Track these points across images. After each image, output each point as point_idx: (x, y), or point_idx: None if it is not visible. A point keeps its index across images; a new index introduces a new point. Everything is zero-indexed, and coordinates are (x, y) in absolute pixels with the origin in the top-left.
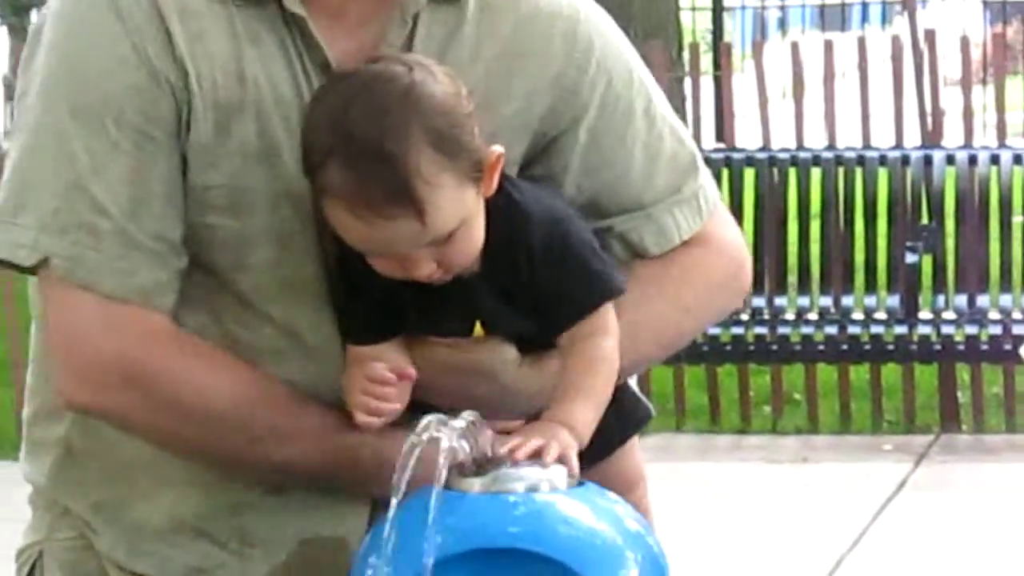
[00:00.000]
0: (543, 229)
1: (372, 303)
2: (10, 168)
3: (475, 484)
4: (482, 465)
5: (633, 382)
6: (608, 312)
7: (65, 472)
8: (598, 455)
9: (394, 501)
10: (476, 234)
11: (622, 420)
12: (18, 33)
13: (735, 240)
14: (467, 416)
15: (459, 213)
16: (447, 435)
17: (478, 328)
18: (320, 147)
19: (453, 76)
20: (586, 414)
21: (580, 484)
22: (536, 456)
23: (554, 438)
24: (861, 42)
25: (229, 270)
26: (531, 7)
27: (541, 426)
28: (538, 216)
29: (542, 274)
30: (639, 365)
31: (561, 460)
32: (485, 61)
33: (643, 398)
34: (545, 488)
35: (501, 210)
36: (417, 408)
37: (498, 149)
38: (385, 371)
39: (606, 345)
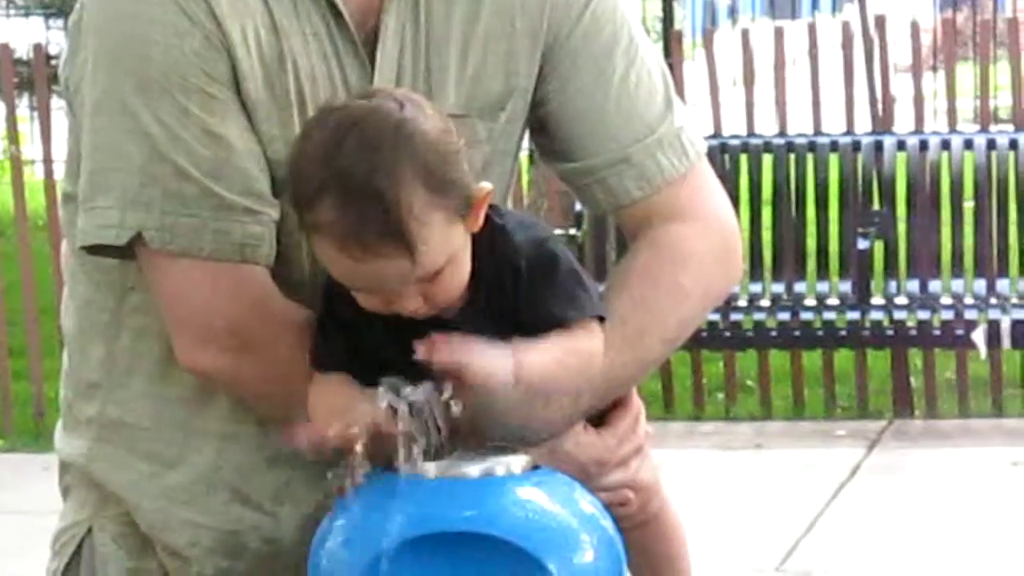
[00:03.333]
0: (529, 250)
1: (347, 338)
2: (84, 158)
3: (430, 468)
4: (440, 447)
5: None
6: (592, 324)
7: (102, 448)
8: None
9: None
10: (463, 270)
11: None
12: None
13: (724, 209)
14: (423, 391)
15: (448, 250)
16: (404, 419)
17: None
18: (311, 184)
19: (442, 112)
20: (541, 356)
21: (535, 468)
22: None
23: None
24: (811, 29)
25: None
26: None
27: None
28: (523, 237)
29: (529, 293)
30: (651, 367)
31: (457, 375)
32: None
33: None
34: (500, 472)
35: (485, 236)
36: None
37: (487, 186)
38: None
39: (584, 337)
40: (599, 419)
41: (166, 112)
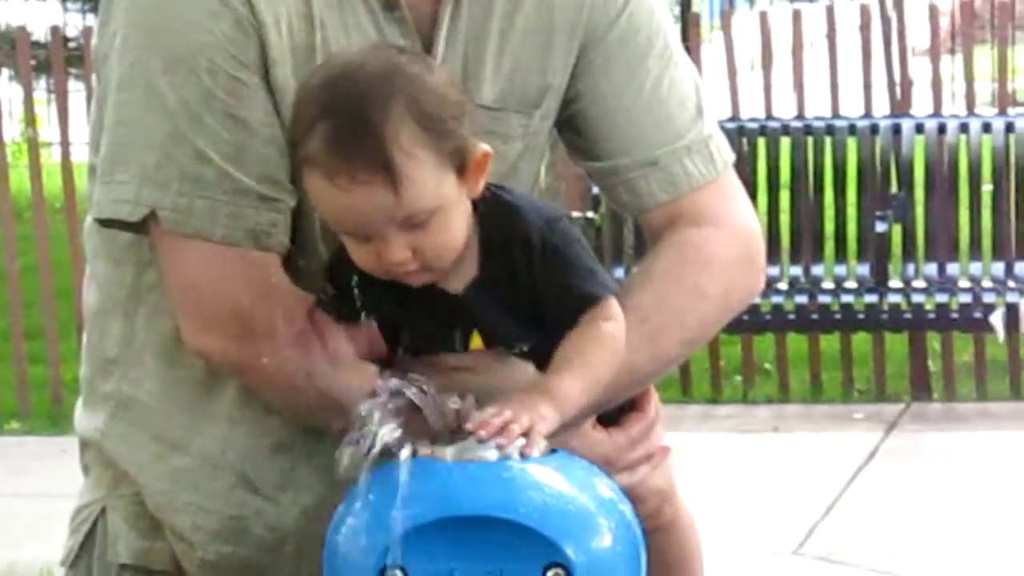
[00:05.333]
0: (540, 227)
1: (356, 317)
2: (106, 130)
3: (448, 452)
4: (456, 432)
5: None
6: (611, 304)
7: (115, 425)
8: None
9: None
10: (454, 227)
11: None
12: None
13: (748, 218)
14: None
15: (435, 195)
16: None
17: (476, 340)
18: (306, 116)
19: (452, 76)
20: (573, 387)
21: (553, 452)
22: (502, 432)
23: (526, 410)
24: (830, 12)
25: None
26: None
27: (520, 397)
28: (533, 214)
29: (542, 270)
30: (666, 368)
31: (525, 435)
32: None
33: None
34: (517, 456)
35: (494, 211)
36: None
37: (485, 148)
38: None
39: (609, 327)
40: (614, 420)
41: (191, 93)
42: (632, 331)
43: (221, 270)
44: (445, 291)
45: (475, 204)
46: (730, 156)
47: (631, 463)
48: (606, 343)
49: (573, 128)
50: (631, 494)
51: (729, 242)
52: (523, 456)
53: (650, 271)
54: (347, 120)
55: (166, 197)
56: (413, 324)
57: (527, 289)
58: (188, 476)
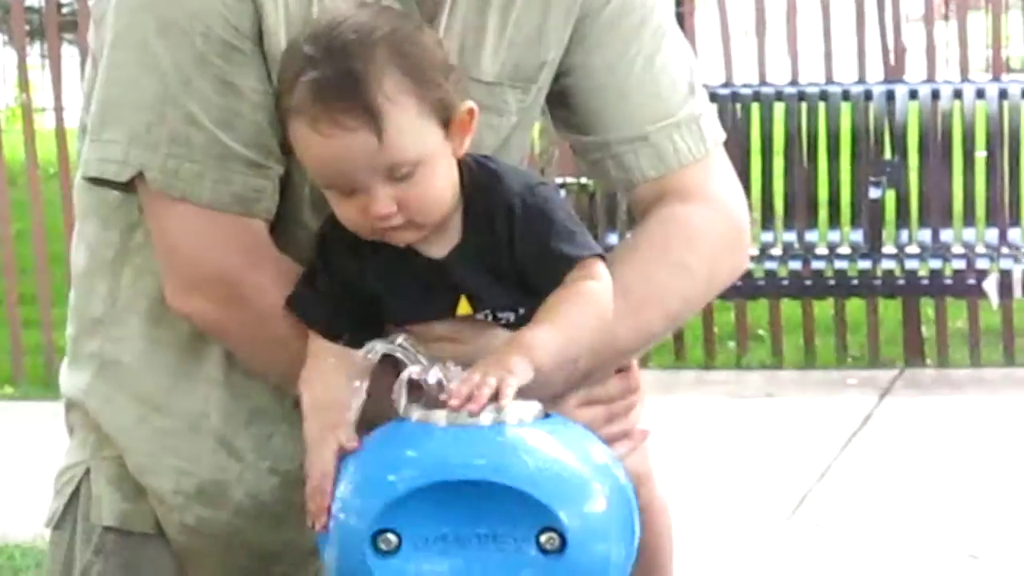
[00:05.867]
0: (521, 191)
1: (344, 286)
2: (97, 88)
3: (441, 417)
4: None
5: None
6: (594, 263)
7: (98, 385)
8: None
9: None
10: (439, 182)
11: None
12: None
13: (735, 197)
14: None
15: (419, 146)
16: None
17: (463, 305)
18: (293, 66)
19: (439, 38)
20: (548, 338)
21: (547, 416)
22: (471, 400)
23: (494, 370)
24: None
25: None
26: None
27: (492, 355)
28: (515, 180)
29: (524, 234)
30: (648, 342)
31: (495, 396)
32: None
33: None
34: (511, 420)
35: (477, 176)
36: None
37: (471, 104)
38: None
39: (591, 285)
40: None
41: (185, 57)
42: (616, 302)
43: (206, 233)
44: (429, 257)
45: (460, 173)
46: (720, 135)
47: (608, 437)
48: (587, 300)
49: (563, 102)
50: None
51: (715, 219)
52: (518, 420)
53: (635, 245)
54: (331, 68)
55: (155, 158)
56: (399, 292)
57: (509, 253)
58: (170, 438)
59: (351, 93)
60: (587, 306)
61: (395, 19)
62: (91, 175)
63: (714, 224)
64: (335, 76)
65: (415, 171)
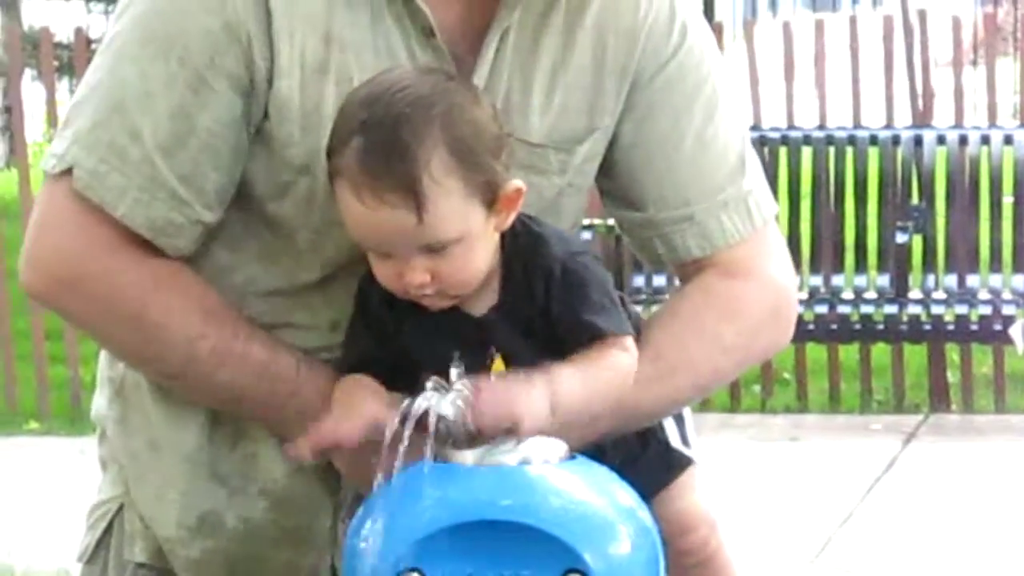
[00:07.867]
0: (562, 257)
1: (380, 337)
2: (79, 86)
3: (468, 456)
4: (474, 436)
5: (673, 432)
6: (624, 339)
7: (114, 408)
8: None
9: (379, 476)
10: (476, 258)
11: (651, 472)
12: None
13: (782, 273)
14: (459, 387)
15: (460, 226)
16: (437, 404)
17: (498, 363)
18: (345, 128)
19: (496, 109)
20: (574, 383)
21: (572, 457)
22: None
23: (522, 402)
24: (852, 22)
25: (298, 227)
26: None
27: (519, 384)
28: (558, 245)
29: (560, 301)
30: (675, 407)
31: (511, 430)
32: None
33: (680, 448)
34: (537, 460)
35: (520, 238)
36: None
37: (518, 184)
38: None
39: (619, 356)
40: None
41: (155, 72)
42: (646, 365)
43: (76, 223)
44: (467, 313)
45: (502, 234)
46: (771, 211)
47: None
48: (613, 367)
49: (610, 172)
50: (682, 523)
51: (759, 296)
52: (543, 460)
53: (674, 311)
54: (381, 139)
55: (88, 160)
56: (434, 347)
57: (545, 317)
58: (172, 472)
59: (397, 170)
60: (613, 374)
61: (453, 93)
62: (44, 167)
63: (756, 300)
64: (384, 149)
65: (453, 247)
